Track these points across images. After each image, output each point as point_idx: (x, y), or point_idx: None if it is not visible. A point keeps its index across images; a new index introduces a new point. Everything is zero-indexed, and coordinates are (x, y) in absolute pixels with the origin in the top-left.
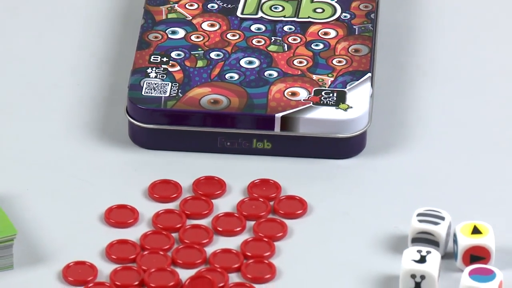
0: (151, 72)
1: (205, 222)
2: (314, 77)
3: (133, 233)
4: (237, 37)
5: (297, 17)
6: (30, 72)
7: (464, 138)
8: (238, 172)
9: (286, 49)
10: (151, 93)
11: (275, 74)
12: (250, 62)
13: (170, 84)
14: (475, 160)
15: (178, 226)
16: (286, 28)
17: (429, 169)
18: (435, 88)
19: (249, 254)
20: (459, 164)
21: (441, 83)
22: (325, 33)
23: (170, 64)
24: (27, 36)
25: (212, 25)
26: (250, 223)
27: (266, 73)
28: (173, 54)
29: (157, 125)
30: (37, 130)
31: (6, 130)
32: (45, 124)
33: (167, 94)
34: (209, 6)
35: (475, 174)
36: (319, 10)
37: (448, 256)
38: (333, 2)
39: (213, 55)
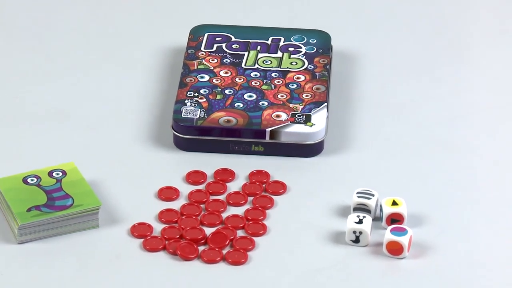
0: (188, 102)
1: (221, 197)
2: (291, 105)
3: (176, 204)
4: (242, 80)
5: (280, 67)
6: (112, 102)
7: (387, 145)
8: (243, 165)
9: (273, 88)
10: (188, 116)
11: (266, 103)
12: (250, 96)
13: (199, 110)
14: (394, 159)
15: (204, 200)
16: (273, 74)
17: (364, 164)
18: (369, 111)
19: (249, 218)
20: (384, 161)
21: (373, 108)
22: (298, 78)
23: (199, 97)
24: (109, 79)
25: (226, 72)
26: (250, 198)
27: (260, 103)
28: (201, 91)
29: (191, 136)
30: (115, 139)
31: (95, 140)
32: (119, 136)
33: (198, 116)
34: (224, 60)
35: (394, 167)
36: (294, 63)
37: (376, 219)
38: (302, 58)
39: (226, 91)
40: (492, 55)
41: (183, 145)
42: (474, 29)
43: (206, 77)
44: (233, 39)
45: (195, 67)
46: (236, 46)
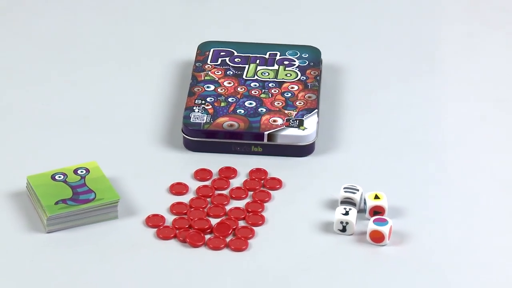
0: (196, 109)
1: (225, 192)
2: (286, 111)
3: (185, 198)
4: (243, 89)
5: (276, 78)
6: (130, 108)
7: (370, 146)
8: (244, 164)
9: (270, 96)
10: (196, 120)
11: (264, 110)
12: (250, 103)
13: (206, 115)
14: (376, 158)
15: (210, 194)
16: (270, 84)
17: (350, 163)
18: (354, 117)
19: (249, 210)
20: (367, 160)
21: (358, 114)
22: (292, 87)
23: (206, 104)
24: (128, 88)
25: (229, 83)
26: (250, 193)
27: (259, 109)
28: (208, 99)
29: (199, 138)
30: (132, 141)
31: (114, 142)
32: (136, 138)
33: (204, 121)
34: (227, 72)
35: (376, 166)
36: (288, 75)
37: (361, 211)
38: (296, 70)
39: (230, 99)
40: (460, 69)
41: (191, 146)
42: (445, 46)
43: (212, 87)
44: (235, 53)
45: (202, 78)
46: (238, 60)
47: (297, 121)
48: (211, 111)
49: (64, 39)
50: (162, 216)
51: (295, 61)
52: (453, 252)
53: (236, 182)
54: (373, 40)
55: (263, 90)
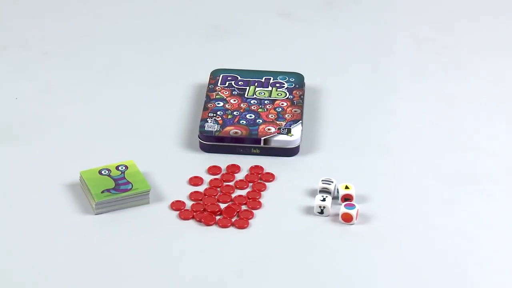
0: (209, 120)
1: (231, 183)
2: (278, 122)
3: (201, 188)
4: (245, 105)
5: (270, 97)
6: (159, 120)
7: (342, 148)
8: (245, 162)
9: (265, 110)
10: (209, 129)
11: (261, 121)
12: (250, 116)
13: (216, 125)
14: (347, 158)
15: (220, 185)
16: (265, 101)
17: (327, 162)
18: (330, 126)
19: (250, 197)
20: (340, 159)
21: (333, 124)
22: (282, 104)
23: (216, 116)
24: (157, 104)
25: (234, 100)
26: (251, 184)
27: (257, 120)
28: (218, 112)
29: (211, 142)
30: (160, 145)
31: (146, 145)
32: (163, 143)
33: (215, 129)
34: (233, 92)
35: (347, 163)
36: (279, 94)
37: (335, 198)
38: (285, 91)
39: (234, 113)
40: (411, 88)
41: (205, 148)
42: (399, 72)
43: (221, 103)
44: (239, 78)
45: (214, 97)
46: (241, 83)
47: (286, 130)
48: (220, 121)
49: (109, 67)
50: (183, 201)
51: (284, 84)
52: (406, 230)
53: (239, 176)
54: (345, 67)
55: (260, 106)
